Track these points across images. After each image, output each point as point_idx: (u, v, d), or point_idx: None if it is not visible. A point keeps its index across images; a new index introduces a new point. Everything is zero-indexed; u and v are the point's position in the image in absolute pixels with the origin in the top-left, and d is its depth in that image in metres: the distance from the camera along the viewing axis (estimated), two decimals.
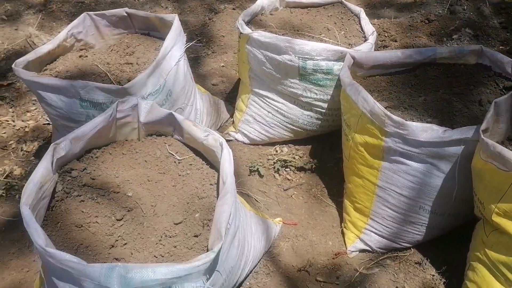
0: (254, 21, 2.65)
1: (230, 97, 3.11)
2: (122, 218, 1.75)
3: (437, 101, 2.16)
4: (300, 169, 2.66)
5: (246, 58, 2.54)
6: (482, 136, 1.76)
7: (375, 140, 2.04)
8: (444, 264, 2.14)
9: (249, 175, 2.64)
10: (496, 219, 1.74)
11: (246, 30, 2.44)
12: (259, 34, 2.39)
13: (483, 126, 1.80)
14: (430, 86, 2.28)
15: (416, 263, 2.18)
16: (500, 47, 3.32)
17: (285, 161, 2.67)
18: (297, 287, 2.12)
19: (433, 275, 2.12)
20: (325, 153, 2.73)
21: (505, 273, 1.71)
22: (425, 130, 1.91)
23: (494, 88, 2.23)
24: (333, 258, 2.24)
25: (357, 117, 2.13)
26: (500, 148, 1.68)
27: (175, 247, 1.68)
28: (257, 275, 2.15)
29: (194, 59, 3.44)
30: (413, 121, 2.05)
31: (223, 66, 3.36)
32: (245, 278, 2.10)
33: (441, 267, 2.13)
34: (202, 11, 3.96)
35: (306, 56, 2.34)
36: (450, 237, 2.22)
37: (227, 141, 2.80)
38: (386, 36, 3.55)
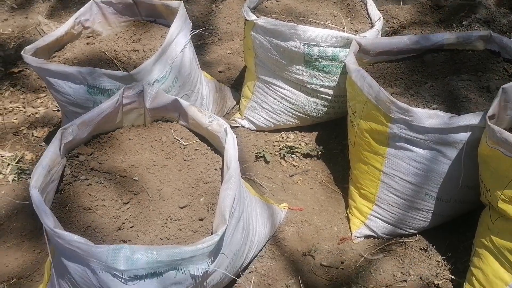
0: (259, 8, 2.64)
1: (237, 84, 3.12)
2: (129, 202, 1.78)
3: (444, 88, 2.16)
4: (306, 155, 2.68)
5: (252, 45, 2.54)
6: (488, 122, 1.76)
7: (380, 126, 2.04)
8: (449, 251, 2.15)
9: (255, 161, 2.66)
10: (502, 205, 1.74)
11: (252, 16, 2.44)
12: (264, 21, 2.39)
13: (489, 112, 1.80)
14: (437, 72, 2.27)
15: (421, 249, 2.19)
16: (511, 33, 3.28)
17: (291, 147, 2.68)
18: (302, 271, 2.13)
19: (439, 261, 2.13)
20: (331, 139, 2.74)
21: (511, 259, 1.72)
22: (431, 117, 1.91)
23: (503, 74, 2.22)
24: (338, 244, 2.25)
25: (362, 104, 2.13)
26: (507, 135, 1.67)
27: (180, 230, 1.70)
28: (262, 259, 2.17)
29: (201, 47, 3.45)
30: (419, 107, 2.05)
31: (229, 53, 3.37)
32: (251, 262, 2.12)
33: (446, 253, 2.14)
34: None
35: (312, 43, 2.34)
36: (456, 224, 2.23)
37: (233, 127, 2.82)
38: (394, 23, 3.54)
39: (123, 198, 1.78)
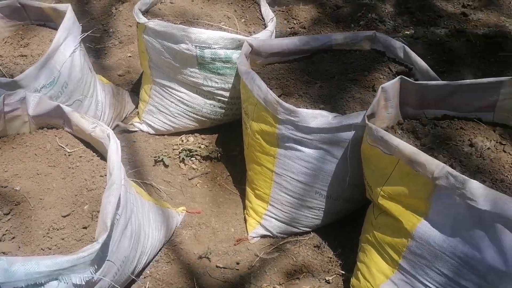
0: (152, 10, 2.61)
1: (136, 88, 3.06)
2: (10, 212, 1.72)
3: (332, 88, 2.22)
4: (206, 158, 2.67)
5: (145, 48, 2.50)
6: (367, 121, 1.82)
7: (269, 127, 2.07)
8: (341, 247, 2.21)
9: (154, 166, 2.62)
10: (382, 201, 1.81)
11: (142, 19, 2.41)
12: (155, 23, 2.36)
13: (368, 112, 1.87)
14: (326, 72, 2.33)
15: (315, 246, 2.24)
16: (406, 32, 3.41)
17: (190, 150, 2.67)
18: (197, 274, 2.13)
19: (330, 257, 2.19)
20: (231, 141, 2.75)
21: (391, 254, 1.78)
22: (315, 117, 1.95)
23: (388, 73, 2.30)
24: (234, 245, 2.26)
25: (253, 105, 2.15)
26: (383, 133, 1.74)
27: (63, 239, 1.66)
28: (158, 264, 2.15)
29: (101, 50, 3.36)
30: (306, 107, 2.09)
31: (130, 56, 3.31)
32: (145, 267, 2.09)
33: (338, 249, 2.21)
34: (109, 1, 3.86)
35: (203, 45, 2.33)
36: (348, 220, 2.29)
37: (132, 132, 2.77)
38: (295, 23, 3.61)
39: (3, 209, 1.72)
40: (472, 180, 1.47)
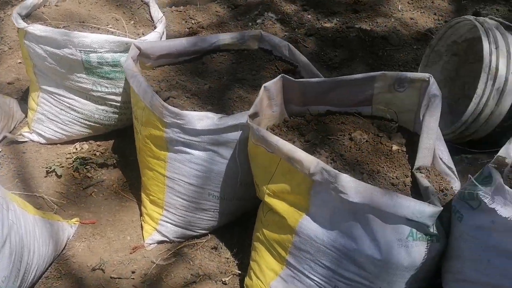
0: (35, 14, 2.50)
1: (27, 96, 2.92)
2: None
3: (221, 88, 2.21)
4: (102, 165, 2.59)
5: (28, 54, 2.40)
6: (249, 121, 1.83)
7: (157, 131, 2.04)
8: (238, 247, 2.21)
9: (45, 177, 2.51)
10: (268, 199, 1.82)
11: (21, 24, 2.30)
12: (35, 28, 2.26)
13: (250, 111, 1.87)
14: (215, 73, 2.32)
15: (212, 248, 2.23)
16: (301, 29, 3.47)
17: (84, 158, 2.58)
18: (90, 287, 2.06)
19: (228, 258, 2.18)
20: (127, 147, 2.67)
21: (278, 250, 1.80)
22: (201, 119, 1.94)
23: (275, 72, 2.32)
24: (130, 253, 2.21)
25: (141, 109, 2.11)
26: (263, 132, 1.75)
27: None
28: (47, 280, 2.06)
29: None
30: (194, 109, 2.08)
31: (20, 62, 3.16)
32: (33, 285, 2.00)
33: (235, 249, 2.20)
34: None
35: (88, 49, 2.26)
36: (246, 219, 2.30)
37: (22, 142, 2.65)
38: (193, 23, 3.58)
39: None
40: (343, 174, 1.51)
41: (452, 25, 2.49)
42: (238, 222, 2.30)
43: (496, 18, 2.32)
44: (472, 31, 2.39)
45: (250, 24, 3.54)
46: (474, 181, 1.40)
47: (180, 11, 3.63)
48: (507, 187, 1.27)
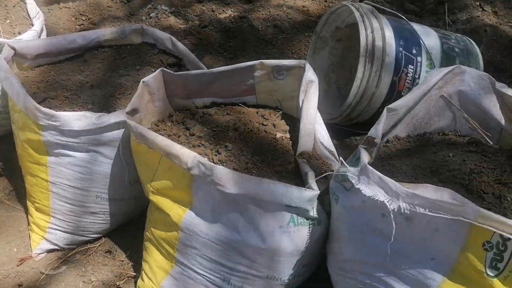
0: None
1: None
2: None
3: (103, 86, 2.13)
4: None
5: None
6: (126, 118, 1.77)
7: (34, 135, 1.93)
8: (133, 247, 2.14)
9: None
10: (153, 197, 1.77)
11: None
12: None
13: (128, 108, 1.81)
14: (97, 70, 2.23)
15: (106, 251, 2.14)
16: (195, 21, 3.40)
17: None
18: None
19: (123, 261, 2.11)
20: (10, 153, 2.51)
21: (167, 248, 1.76)
22: (79, 119, 1.86)
23: (160, 66, 2.25)
24: (17, 265, 2.08)
25: (18, 113, 2.00)
26: (141, 129, 1.71)
27: None
28: None
29: None
30: (74, 110, 1.99)
31: None
32: None
33: (129, 251, 2.14)
34: None
35: None
36: (141, 219, 2.22)
37: None
38: (84, 20, 3.43)
39: None
40: (218, 166, 1.49)
41: (333, 11, 2.53)
42: (134, 222, 2.23)
43: (370, 3, 2.38)
44: (352, 17, 2.44)
45: (144, 18, 3.45)
46: (344, 163, 1.42)
47: (69, 8, 3.47)
48: (370, 167, 1.30)
